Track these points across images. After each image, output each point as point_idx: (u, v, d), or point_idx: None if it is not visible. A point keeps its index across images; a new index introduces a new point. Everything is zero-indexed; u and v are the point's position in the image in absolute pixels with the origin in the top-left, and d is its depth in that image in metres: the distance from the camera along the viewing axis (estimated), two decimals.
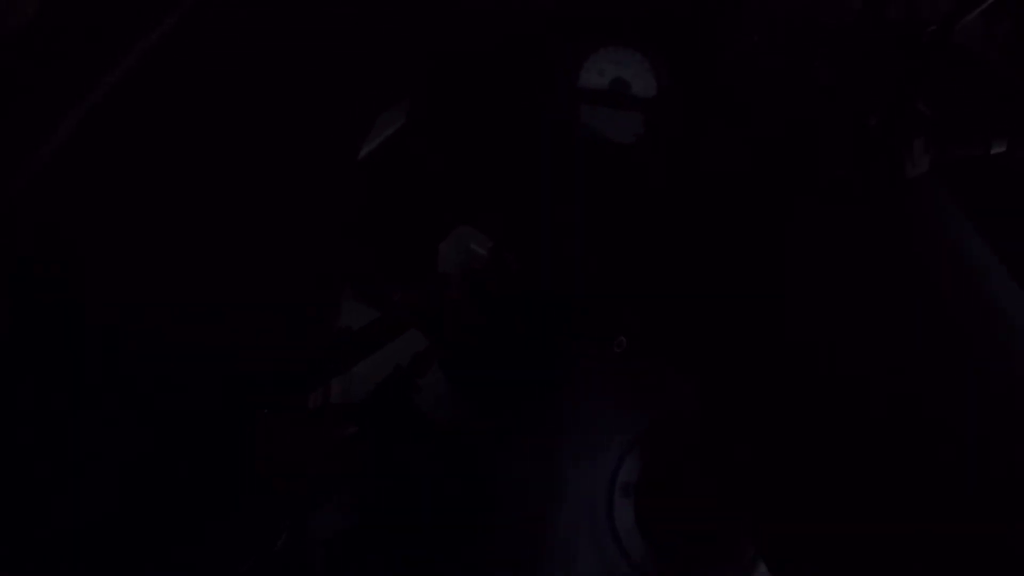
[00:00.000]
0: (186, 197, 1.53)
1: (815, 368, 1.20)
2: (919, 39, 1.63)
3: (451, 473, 1.25)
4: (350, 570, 1.29)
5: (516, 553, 1.26)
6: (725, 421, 1.29)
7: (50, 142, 1.91)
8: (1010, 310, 1.16)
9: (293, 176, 1.74)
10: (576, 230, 1.50)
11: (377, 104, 1.49)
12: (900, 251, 1.27)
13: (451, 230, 1.61)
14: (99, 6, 1.83)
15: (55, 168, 1.56)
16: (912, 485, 1.00)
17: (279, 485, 1.17)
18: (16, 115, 1.70)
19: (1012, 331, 1.13)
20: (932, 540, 0.97)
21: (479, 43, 1.48)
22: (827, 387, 1.16)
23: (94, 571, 1.15)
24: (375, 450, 1.22)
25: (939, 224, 1.35)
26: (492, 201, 1.60)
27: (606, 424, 1.29)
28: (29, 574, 1.15)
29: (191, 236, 1.64)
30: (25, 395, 1.20)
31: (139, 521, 1.18)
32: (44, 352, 1.25)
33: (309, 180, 1.69)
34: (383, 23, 1.43)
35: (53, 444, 1.21)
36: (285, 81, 1.71)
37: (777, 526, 1.15)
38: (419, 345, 1.34)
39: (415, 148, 1.48)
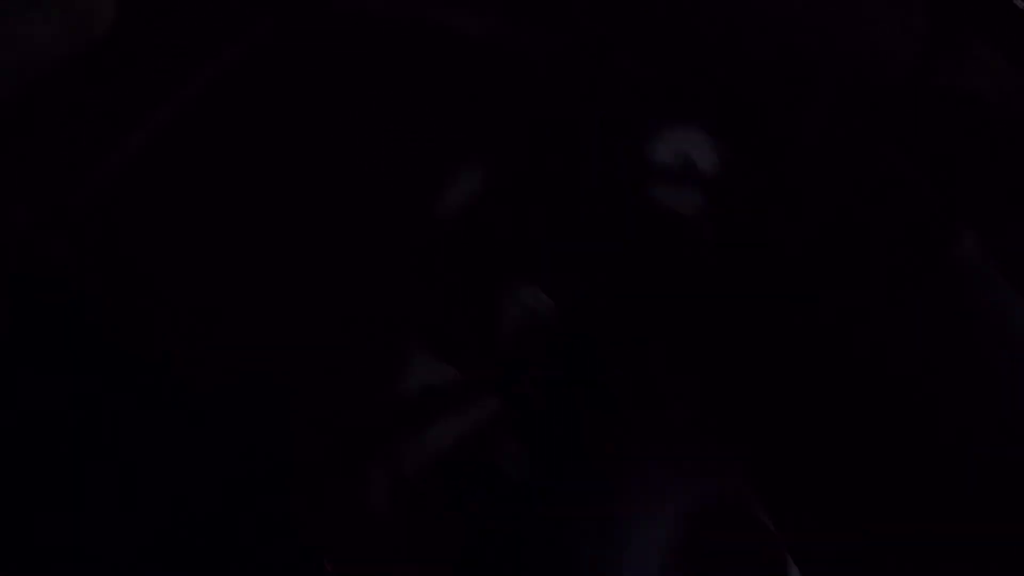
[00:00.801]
0: (251, 227, 1.61)
1: (869, 449, 1.25)
2: (973, 125, 1.71)
3: (524, 536, 1.29)
4: None
5: None
6: (774, 498, 1.34)
7: (114, 157, 2.01)
8: None
9: (363, 219, 1.81)
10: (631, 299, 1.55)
11: (454, 160, 1.56)
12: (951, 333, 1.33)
13: (511, 287, 1.67)
14: (175, 21, 1.96)
15: (117, 185, 1.65)
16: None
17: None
18: (86, 124, 1.80)
19: None
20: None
21: (556, 111, 1.55)
22: (879, 468, 1.21)
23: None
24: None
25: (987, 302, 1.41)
26: (555, 262, 1.67)
27: (663, 492, 1.33)
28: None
29: (255, 265, 1.71)
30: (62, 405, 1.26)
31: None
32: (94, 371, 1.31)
33: (380, 227, 1.75)
34: (466, 86, 1.51)
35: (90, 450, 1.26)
36: (362, 123, 1.80)
37: None
38: (492, 405, 1.39)
39: (488, 209, 1.55)
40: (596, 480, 1.34)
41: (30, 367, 1.33)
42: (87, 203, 1.90)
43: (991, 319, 1.42)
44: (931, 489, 1.16)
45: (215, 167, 1.76)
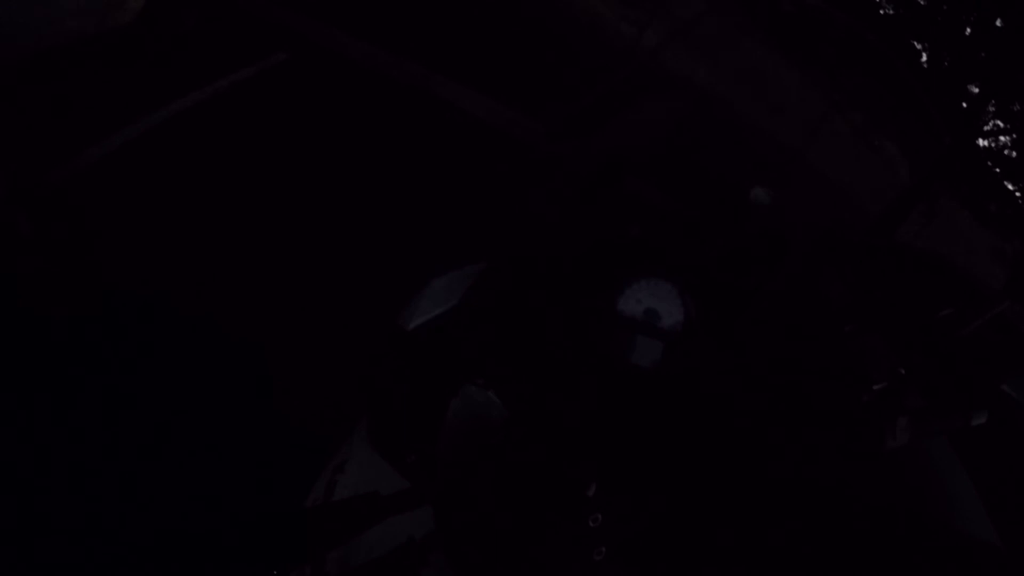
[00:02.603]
0: (220, 254, 1.63)
1: None
2: (930, 321, 1.82)
3: None
4: None
5: None
6: None
7: (96, 150, 2.03)
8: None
9: (330, 296, 1.85)
10: (585, 428, 1.61)
11: (428, 277, 1.63)
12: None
13: (464, 385, 1.72)
14: (196, 32, 2.01)
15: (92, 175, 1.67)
16: None
17: None
18: (85, 109, 1.83)
19: None
20: None
21: (537, 250, 1.63)
22: None
23: None
24: None
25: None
26: (513, 372, 1.72)
27: None
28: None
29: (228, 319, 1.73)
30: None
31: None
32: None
33: (345, 311, 1.80)
34: (447, 215, 1.59)
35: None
36: (347, 175, 1.84)
37: None
38: (424, 517, 1.41)
39: (466, 327, 1.61)
40: None
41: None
42: (57, 187, 1.92)
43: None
44: None
45: (192, 179, 1.79)
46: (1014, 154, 9.60)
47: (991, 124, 9.66)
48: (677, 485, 1.54)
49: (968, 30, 8.97)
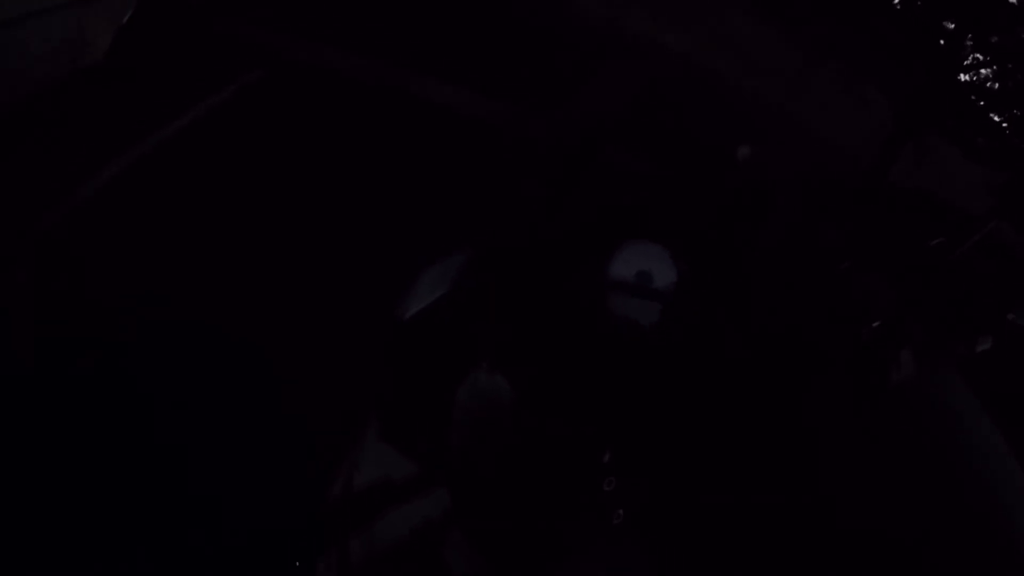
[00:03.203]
0: (217, 280, 1.64)
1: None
2: (923, 251, 1.82)
3: None
4: None
5: None
6: None
7: (85, 189, 2.05)
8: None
9: (328, 302, 1.86)
10: (594, 397, 1.62)
11: (421, 267, 1.64)
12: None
13: (471, 373, 1.73)
14: (167, 63, 2.02)
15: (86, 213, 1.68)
16: None
17: None
18: (67, 150, 1.85)
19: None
20: None
21: (523, 232, 1.64)
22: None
23: None
24: None
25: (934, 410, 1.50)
26: (516, 355, 1.73)
27: None
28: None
29: (222, 339, 1.74)
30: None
31: None
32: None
33: (345, 314, 1.80)
34: (438, 204, 1.59)
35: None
36: (335, 180, 1.84)
37: None
38: (442, 499, 1.43)
39: (459, 311, 1.62)
40: (536, 572, 1.37)
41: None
42: (53, 230, 1.93)
43: (931, 445, 1.51)
44: None
45: (185, 203, 1.80)
46: (996, 86, 9.56)
47: (971, 58, 9.61)
48: (687, 445, 1.56)
49: None
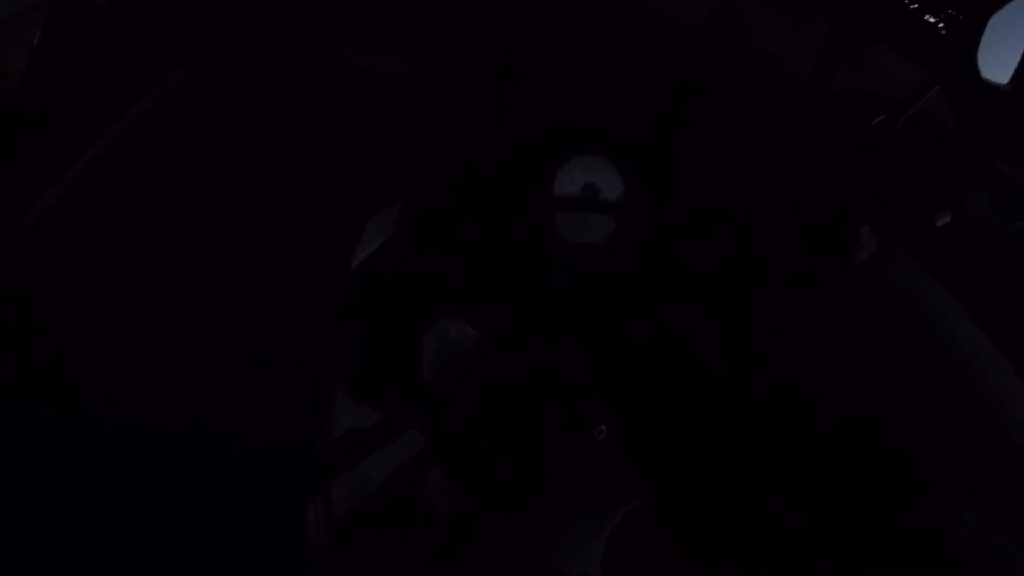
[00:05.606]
0: (167, 276, 1.57)
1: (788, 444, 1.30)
2: (867, 130, 1.80)
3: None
4: None
5: None
6: (698, 505, 1.37)
7: (30, 215, 1.95)
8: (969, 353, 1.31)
9: (282, 278, 1.80)
10: (554, 327, 1.59)
11: (367, 212, 1.59)
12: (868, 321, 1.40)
13: (432, 323, 1.69)
14: (84, 80, 1.92)
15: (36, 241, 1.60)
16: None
17: None
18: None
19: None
20: None
21: (462, 159, 1.59)
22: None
23: None
24: None
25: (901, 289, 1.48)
26: (477, 296, 1.69)
27: (589, 510, 1.35)
28: None
29: (171, 309, 1.68)
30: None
31: None
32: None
33: (299, 284, 1.75)
34: (377, 139, 1.53)
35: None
36: (275, 163, 1.78)
37: None
38: (417, 443, 1.40)
39: (403, 253, 1.57)
40: (523, 504, 1.35)
41: None
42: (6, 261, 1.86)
43: (892, 320, 1.49)
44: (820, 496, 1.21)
45: (130, 215, 1.73)
46: None
47: None
48: (654, 354, 1.53)
49: None
